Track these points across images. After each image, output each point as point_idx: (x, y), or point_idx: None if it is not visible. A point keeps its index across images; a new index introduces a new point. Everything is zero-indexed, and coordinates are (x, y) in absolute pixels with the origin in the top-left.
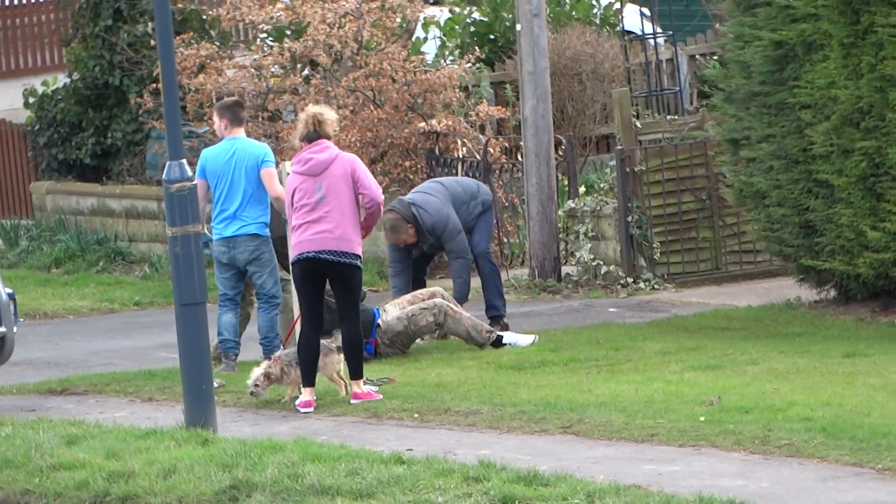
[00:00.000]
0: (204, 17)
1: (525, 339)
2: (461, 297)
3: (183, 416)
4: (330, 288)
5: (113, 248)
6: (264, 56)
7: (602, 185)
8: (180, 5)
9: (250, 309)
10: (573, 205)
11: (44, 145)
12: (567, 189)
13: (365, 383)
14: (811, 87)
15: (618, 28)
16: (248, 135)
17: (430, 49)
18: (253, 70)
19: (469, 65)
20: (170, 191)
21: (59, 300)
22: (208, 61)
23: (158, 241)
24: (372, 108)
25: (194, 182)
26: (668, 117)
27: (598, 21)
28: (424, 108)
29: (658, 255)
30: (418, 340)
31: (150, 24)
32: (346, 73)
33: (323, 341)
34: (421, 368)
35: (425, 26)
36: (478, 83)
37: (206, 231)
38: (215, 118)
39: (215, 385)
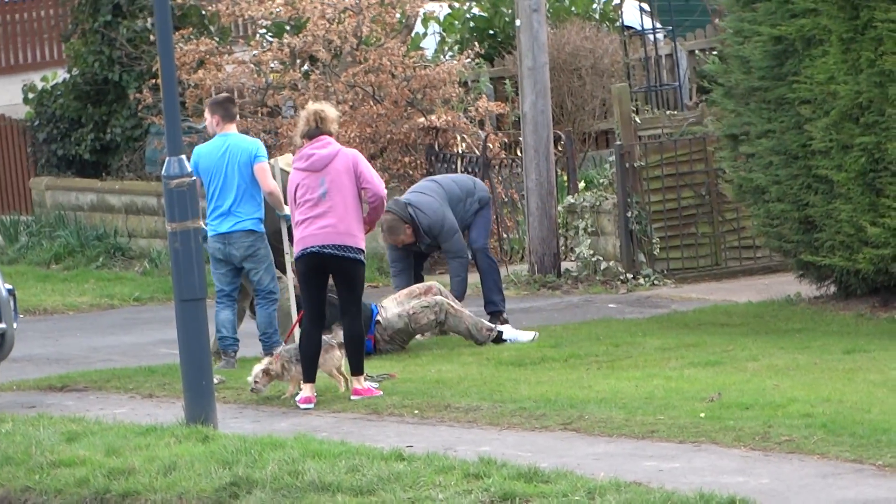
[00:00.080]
0: (203, 12)
1: (525, 336)
2: (459, 295)
3: (183, 413)
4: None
5: (112, 243)
6: (264, 51)
7: (601, 181)
8: (179, 1)
9: (245, 304)
10: (573, 200)
11: (43, 141)
12: (566, 184)
13: (365, 379)
14: (810, 82)
15: (617, 23)
16: (248, 130)
17: (429, 44)
18: (252, 65)
19: (468, 60)
20: (169, 186)
21: (58, 296)
22: (208, 57)
23: (158, 236)
24: (371, 103)
25: (194, 178)
26: (668, 113)
27: (597, 16)
28: (424, 104)
29: (658, 250)
30: (418, 336)
31: (149, 19)
32: (346, 69)
33: (324, 337)
34: (421, 365)
35: (425, 22)
36: (477, 79)
37: (202, 224)
38: (207, 115)
39: (215, 381)
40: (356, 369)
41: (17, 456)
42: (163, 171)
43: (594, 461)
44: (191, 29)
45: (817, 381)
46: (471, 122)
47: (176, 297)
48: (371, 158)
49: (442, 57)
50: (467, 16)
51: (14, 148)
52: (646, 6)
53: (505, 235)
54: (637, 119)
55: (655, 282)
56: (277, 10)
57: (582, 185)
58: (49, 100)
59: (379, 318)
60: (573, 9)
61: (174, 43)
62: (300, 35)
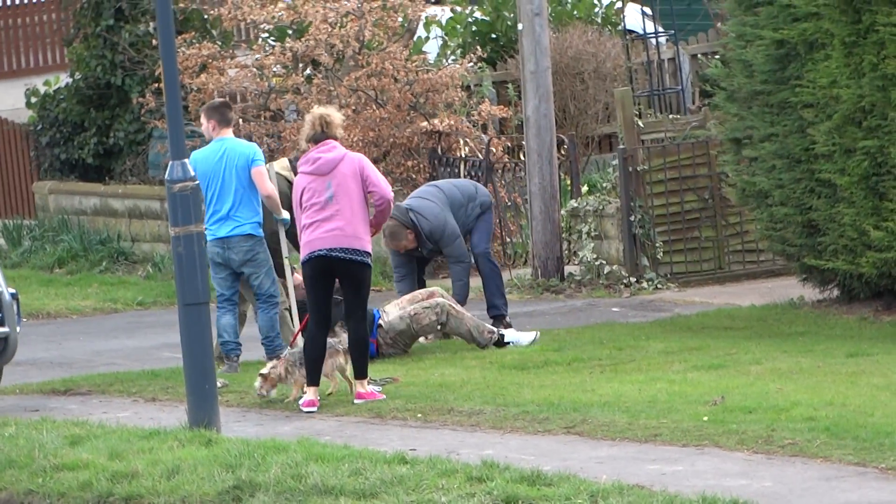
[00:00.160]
0: (206, 16)
1: (526, 337)
2: (461, 299)
3: (186, 417)
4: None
5: (116, 248)
6: (266, 56)
7: (605, 185)
8: (182, 5)
9: (245, 307)
10: (576, 204)
11: (46, 145)
12: (570, 188)
13: (368, 383)
14: (813, 86)
15: (620, 27)
16: (251, 134)
17: (431, 48)
18: (255, 70)
19: (471, 64)
20: (172, 190)
21: (62, 300)
22: (210, 61)
23: (161, 240)
24: (374, 107)
25: (197, 182)
26: (671, 116)
27: (599, 20)
28: (426, 108)
29: (661, 254)
30: (421, 339)
31: (151, 23)
32: (348, 73)
33: (330, 340)
34: (424, 368)
35: (427, 26)
36: (480, 82)
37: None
38: (203, 120)
39: (219, 385)
40: (360, 373)
41: (21, 459)
42: (166, 175)
43: (597, 464)
44: (193, 33)
45: (820, 384)
46: (474, 126)
47: (179, 300)
48: (374, 163)
49: (444, 61)
50: (469, 20)
51: (17, 152)
52: (648, 10)
53: (508, 239)
54: (640, 123)
55: (659, 285)
56: (280, 14)
57: (585, 188)
58: (52, 104)
59: (381, 321)
60: (575, 13)
61: (177, 47)
62: (302, 39)
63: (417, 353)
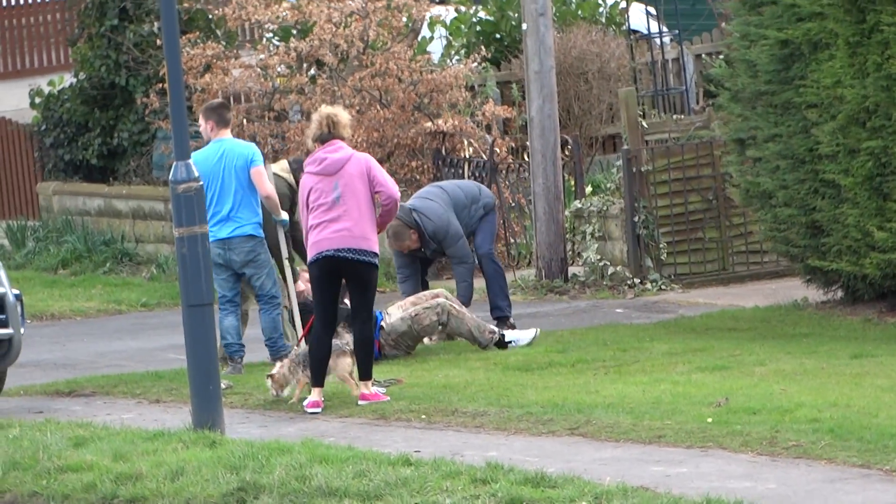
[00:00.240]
0: (210, 16)
1: (526, 335)
2: (465, 301)
3: (190, 418)
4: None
5: (120, 249)
6: (270, 56)
7: (608, 185)
8: (186, 5)
9: (246, 306)
10: (580, 205)
11: (50, 146)
12: (573, 189)
13: (373, 384)
14: (817, 86)
15: (623, 27)
16: (255, 135)
17: (435, 48)
18: (259, 70)
19: (475, 64)
20: (177, 191)
21: (65, 301)
22: (214, 61)
23: (165, 241)
24: (378, 107)
25: (201, 182)
26: (675, 117)
27: (603, 20)
28: (430, 108)
29: (665, 255)
30: (425, 341)
31: (155, 23)
32: (352, 73)
33: (336, 342)
34: (428, 370)
35: (431, 26)
36: (484, 83)
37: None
38: (201, 121)
39: (223, 387)
40: (365, 374)
41: (25, 461)
42: (170, 176)
43: (601, 466)
44: (197, 33)
45: (824, 385)
46: (478, 126)
47: (183, 302)
48: (378, 163)
49: (448, 61)
50: (474, 20)
51: (21, 153)
52: (652, 10)
53: (512, 240)
54: (644, 123)
55: (663, 287)
56: (284, 14)
57: (589, 189)
58: (56, 104)
59: (383, 323)
60: (579, 13)
61: (181, 47)
62: (307, 39)
63: (421, 354)
